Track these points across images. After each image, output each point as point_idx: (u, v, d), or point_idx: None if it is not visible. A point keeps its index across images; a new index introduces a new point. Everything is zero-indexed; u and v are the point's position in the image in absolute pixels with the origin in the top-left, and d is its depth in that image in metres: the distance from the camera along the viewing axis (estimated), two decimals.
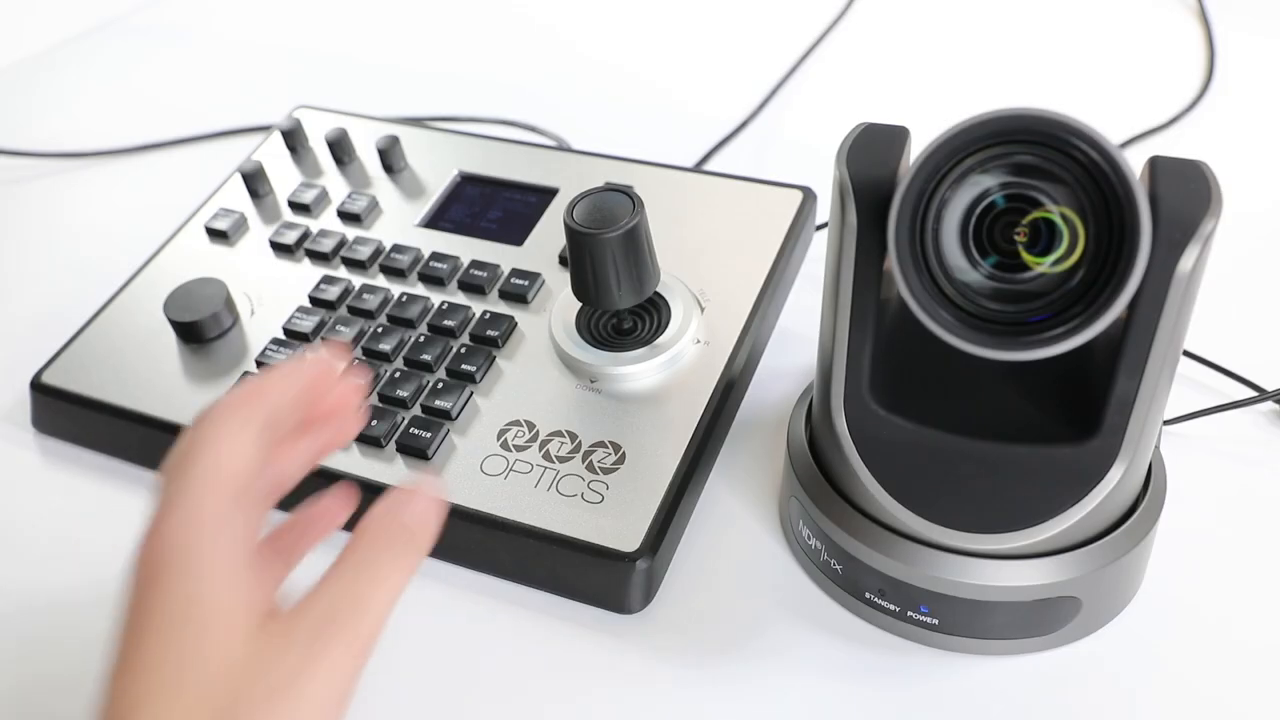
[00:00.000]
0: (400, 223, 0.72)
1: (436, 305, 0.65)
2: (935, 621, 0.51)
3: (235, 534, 0.37)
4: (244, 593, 0.36)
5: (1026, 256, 0.42)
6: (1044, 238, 0.41)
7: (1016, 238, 0.41)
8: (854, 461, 0.47)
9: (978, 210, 0.42)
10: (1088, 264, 0.40)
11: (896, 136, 0.47)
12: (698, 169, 0.79)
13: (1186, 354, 0.64)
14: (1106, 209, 0.40)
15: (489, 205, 0.72)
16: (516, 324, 0.64)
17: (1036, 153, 0.40)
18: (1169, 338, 0.43)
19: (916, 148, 0.47)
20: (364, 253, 0.69)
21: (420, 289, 0.67)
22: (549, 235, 0.69)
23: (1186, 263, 0.41)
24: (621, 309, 0.60)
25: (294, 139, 0.78)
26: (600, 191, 0.56)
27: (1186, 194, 0.42)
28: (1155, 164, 0.43)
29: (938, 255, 0.42)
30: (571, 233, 0.55)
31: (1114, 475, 0.45)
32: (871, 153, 0.46)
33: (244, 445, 0.39)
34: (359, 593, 0.37)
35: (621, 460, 0.57)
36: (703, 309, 0.63)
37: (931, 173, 0.41)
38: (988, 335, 0.41)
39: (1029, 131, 0.39)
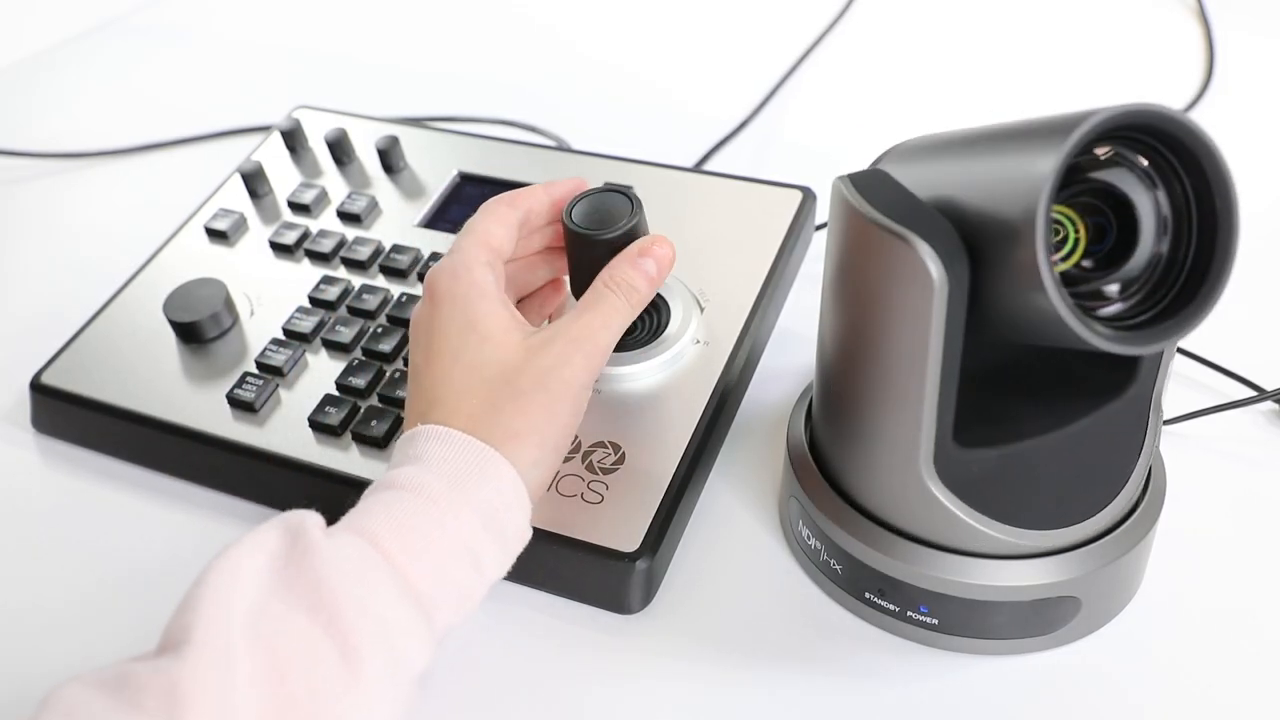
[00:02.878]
0: (400, 223, 0.72)
1: None
2: (935, 621, 0.51)
3: (495, 278, 0.52)
4: (509, 317, 0.51)
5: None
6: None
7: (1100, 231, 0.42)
8: (953, 507, 0.46)
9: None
10: (1171, 247, 0.41)
11: (890, 181, 0.46)
12: (698, 169, 0.79)
13: (1188, 354, 0.64)
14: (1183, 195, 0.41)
15: None
16: None
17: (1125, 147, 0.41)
18: None
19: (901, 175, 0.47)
20: (364, 253, 0.69)
21: (420, 289, 0.67)
22: None
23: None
24: None
25: (294, 139, 0.78)
26: (599, 192, 0.56)
27: None
28: None
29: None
30: (570, 234, 0.55)
31: (1154, 423, 0.47)
32: (892, 200, 0.44)
33: (505, 226, 0.54)
34: (593, 324, 0.51)
35: (621, 460, 0.57)
36: (702, 309, 0.63)
37: (1053, 194, 0.38)
38: (1138, 334, 0.40)
39: (1137, 119, 0.39)
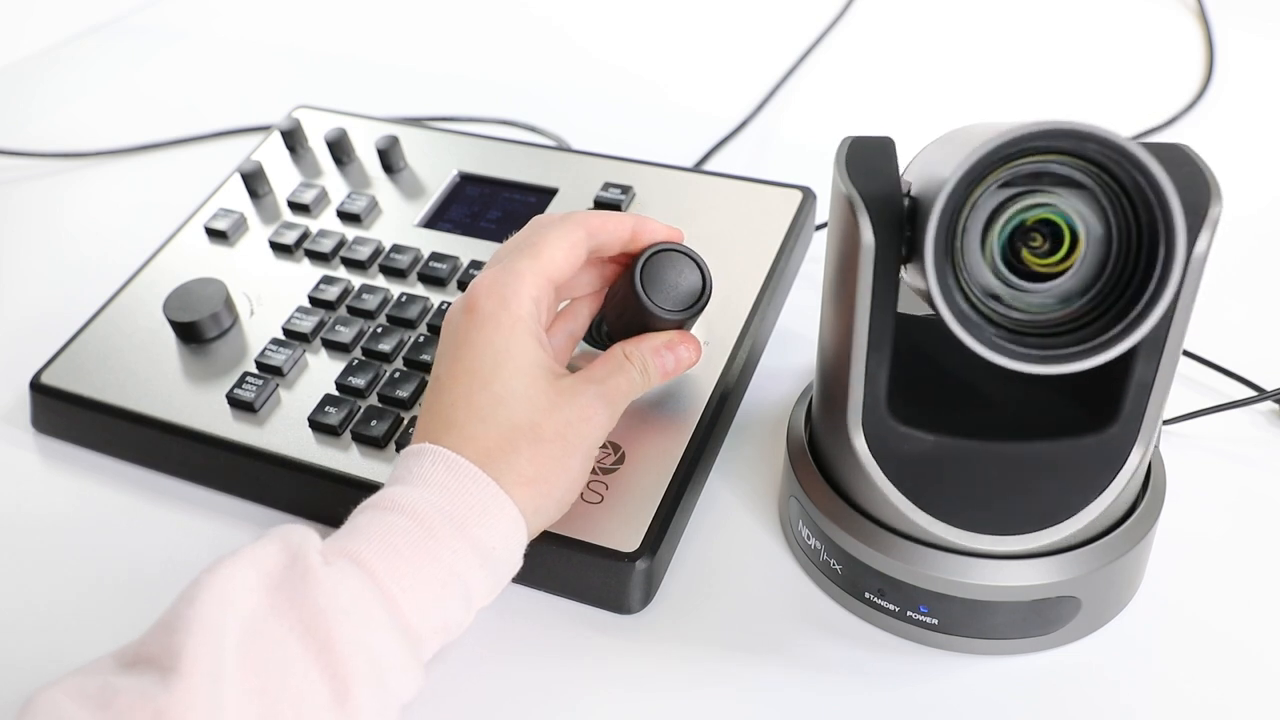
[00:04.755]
0: (400, 223, 0.72)
1: (436, 305, 0.65)
2: (935, 621, 0.51)
3: (542, 312, 0.51)
4: (543, 356, 0.50)
5: (1033, 260, 0.41)
6: (1064, 246, 0.40)
7: (1033, 244, 0.41)
8: (877, 479, 0.47)
9: (999, 222, 0.41)
10: (1111, 269, 0.40)
11: (885, 148, 0.46)
12: (697, 169, 0.79)
13: (1187, 354, 0.64)
14: (1132, 211, 0.39)
15: (489, 205, 0.72)
16: None
17: (1061, 162, 0.40)
18: (1184, 322, 0.43)
19: (904, 155, 0.47)
20: (363, 253, 0.69)
21: (420, 289, 0.67)
22: None
23: (1201, 247, 0.41)
24: None
25: (294, 139, 0.78)
26: (677, 253, 0.53)
27: (1187, 180, 0.42)
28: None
29: (966, 271, 0.41)
30: (635, 297, 0.52)
31: (1134, 460, 0.45)
32: (870, 166, 0.45)
33: (573, 258, 0.52)
34: (618, 388, 0.51)
35: (621, 460, 0.57)
36: None
37: (967, 189, 0.40)
38: (1034, 350, 0.40)
39: (1054, 139, 0.38)
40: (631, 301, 0.53)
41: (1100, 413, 0.45)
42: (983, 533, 0.47)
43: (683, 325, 0.54)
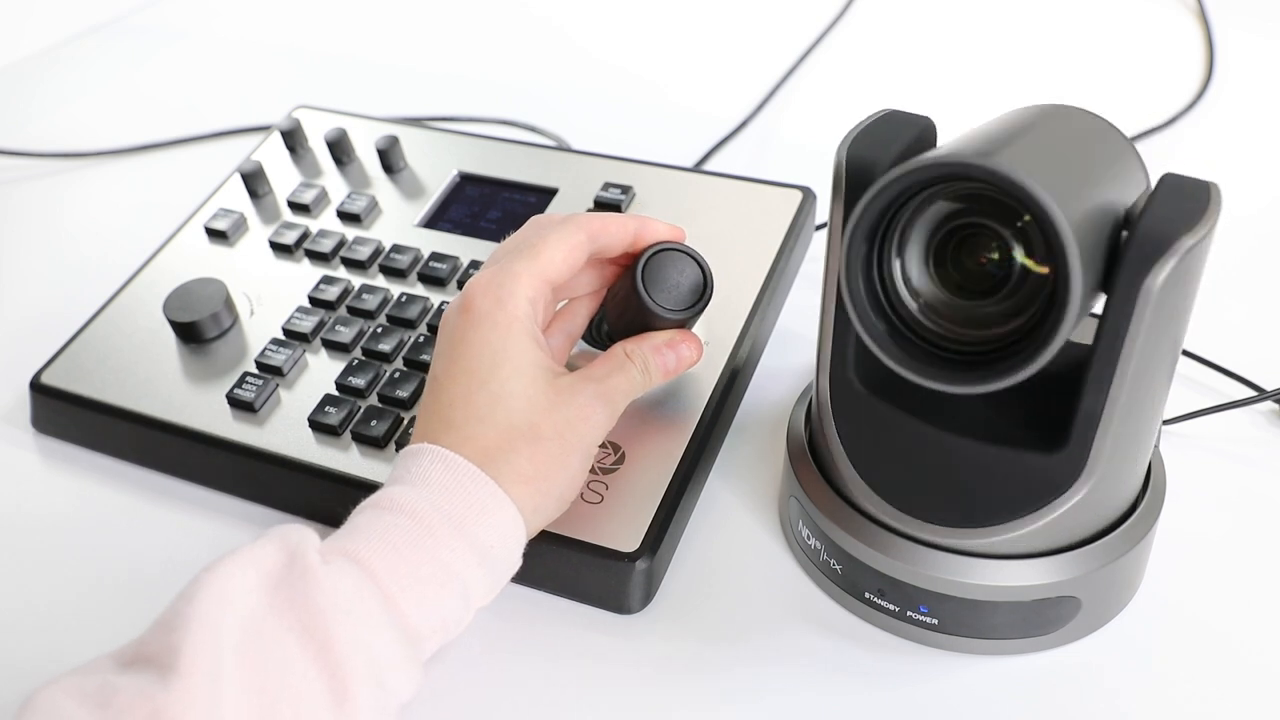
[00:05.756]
0: (400, 223, 0.72)
1: (436, 305, 0.65)
2: (935, 621, 0.51)
3: (539, 312, 0.51)
4: (541, 355, 0.50)
5: (973, 278, 0.42)
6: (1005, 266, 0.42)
7: (980, 262, 0.42)
8: (829, 433, 0.48)
9: (941, 234, 0.42)
10: (1042, 302, 0.40)
11: (911, 126, 0.47)
12: (697, 169, 0.79)
13: (1187, 354, 0.64)
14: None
15: (489, 205, 0.72)
16: None
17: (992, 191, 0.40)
18: (1140, 353, 0.42)
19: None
20: (363, 253, 0.69)
21: (420, 289, 0.67)
22: None
23: (1155, 279, 0.40)
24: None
25: (294, 139, 0.78)
26: (678, 252, 0.53)
27: (1174, 210, 0.41)
28: (1163, 180, 0.43)
29: (891, 280, 0.43)
30: (637, 296, 0.53)
31: (1079, 489, 0.45)
32: (877, 140, 0.46)
33: (572, 260, 0.52)
34: (618, 387, 0.51)
35: (621, 460, 0.57)
36: None
37: (880, 213, 0.41)
38: (930, 367, 0.42)
39: (978, 180, 0.39)
40: (633, 301, 0.53)
41: (1050, 438, 0.45)
42: (912, 515, 0.48)
43: (684, 324, 0.54)
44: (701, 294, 0.53)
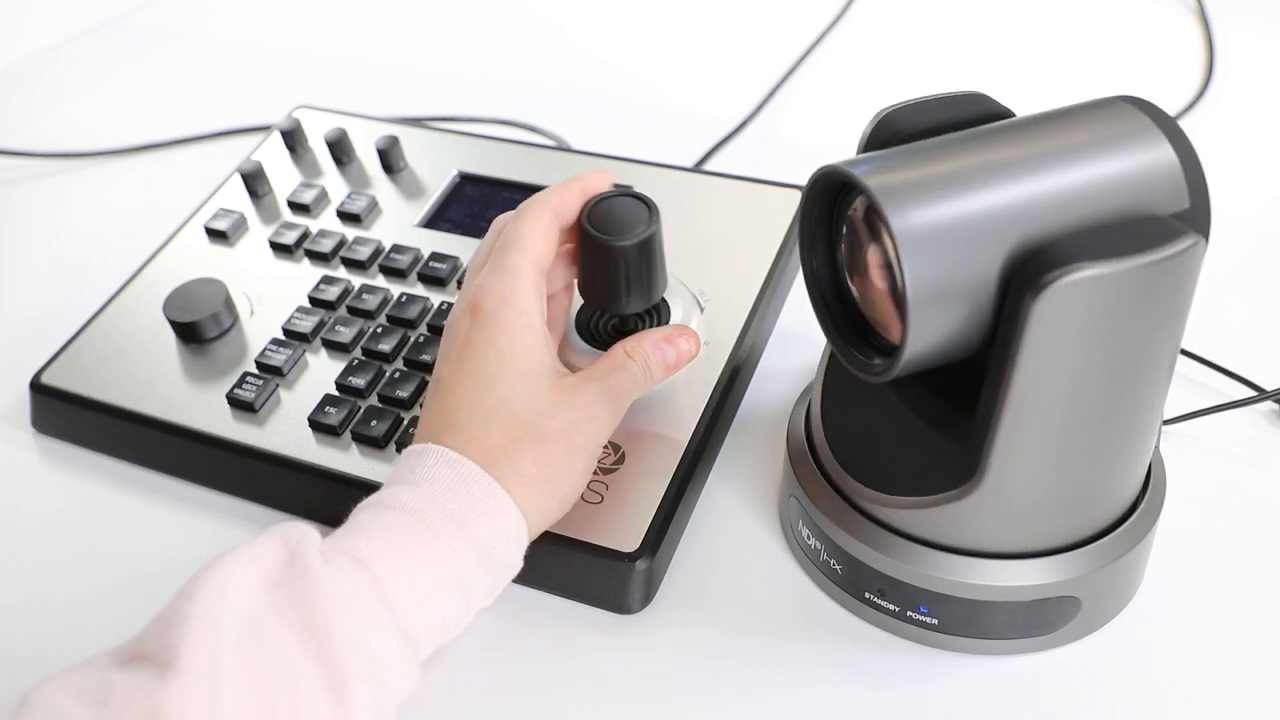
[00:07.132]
0: (400, 223, 0.72)
1: (436, 305, 0.65)
2: (935, 621, 0.51)
3: (541, 306, 0.52)
4: (547, 355, 0.51)
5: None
6: None
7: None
8: (816, 388, 0.52)
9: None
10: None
11: (902, 118, 0.51)
12: (697, 169, 0.79)
13: (1187, 354, 0.64)
14: None
15: (489, 205, 0.72)
16: None
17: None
18: (1037, 378, 0.42)
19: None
20: (363, 253, 0.69)
21: (420, 289, 0.67)
22: None
23: (1042, 305, 0.40)
24: (627, 314, 0.60)
25: (294, 139, 0.78)
26: (617, 196, 0.55)
27: (1097, 238, 0.41)
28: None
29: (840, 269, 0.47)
30: (586, 237, 0.54)
31: (976, 484, 0.45)
32: (911, 125, 0.51)
33: (546, 233, 0.52)
34: (622, 385, 0.52)
35: (621, 460, 0.57)
36: (702, 309, 0.63)
37: (818, 207, 0.47)
38: (854, 352, 0.46)
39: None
40: (599, 256, 0.54)
41: (962, 429, 0.46)
42: (848, 472, 0.50)
43: (655, 266, 0.55)
44: (649, 214, 0.54)
